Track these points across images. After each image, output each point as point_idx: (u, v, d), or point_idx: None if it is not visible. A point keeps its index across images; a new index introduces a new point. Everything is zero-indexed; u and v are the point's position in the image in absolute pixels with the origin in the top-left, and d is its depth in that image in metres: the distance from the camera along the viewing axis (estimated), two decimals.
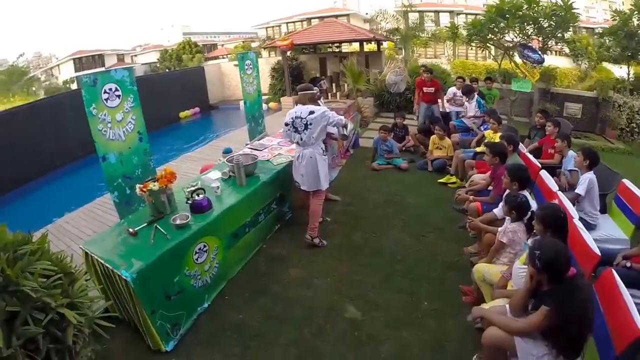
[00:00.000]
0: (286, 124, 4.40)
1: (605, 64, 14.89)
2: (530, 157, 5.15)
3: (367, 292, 3.78)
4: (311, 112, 4.25)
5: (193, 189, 3.76)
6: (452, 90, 8.75)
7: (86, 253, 3.14)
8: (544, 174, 4.57)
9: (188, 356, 3.11)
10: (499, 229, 3.45)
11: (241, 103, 8.27)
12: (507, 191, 3.73)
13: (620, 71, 13.62)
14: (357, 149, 8.29)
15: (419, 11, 17.67)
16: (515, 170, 3.83)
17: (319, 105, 4.56)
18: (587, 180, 4.28)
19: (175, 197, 3.80)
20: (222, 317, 3.50)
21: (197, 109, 18.92)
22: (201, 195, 3.70)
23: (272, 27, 36.65)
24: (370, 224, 5.07)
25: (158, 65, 35.91)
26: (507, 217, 3.44)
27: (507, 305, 2.63)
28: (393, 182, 6.47)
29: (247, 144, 6.23)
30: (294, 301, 3.68)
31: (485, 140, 5.76)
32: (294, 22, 33.82)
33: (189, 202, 3.67)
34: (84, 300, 2.31)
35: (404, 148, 7.97)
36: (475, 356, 2.93)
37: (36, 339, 2.00)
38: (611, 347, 2.34)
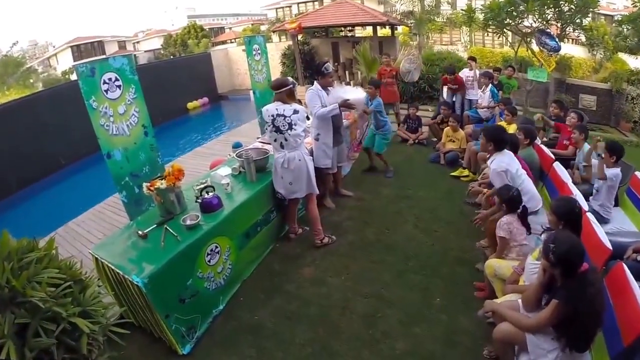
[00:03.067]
0: (267, 123, 4.08)
1: (620, 55, 14.45)
2: (545, 148, 5.05)
3: (381, 290, 3.76)
4: (295, 112, 3.99)
5: (202, 186, 3.72)
6: (464, 71, 8.61)
7: (96, 258, 3.11)
8: (557, 165, 4.49)
9: (205, 359, 3.11)
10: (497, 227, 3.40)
11: (251, 93, 7.88)
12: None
13: (635, 62, 13.25)
14: None
15: None
16: (490, 130, 3.83)
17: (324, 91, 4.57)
18: (615, 172, 4.16)
19: (185, 195, 3.74)
20: (238, 318, 3.50)
21: (205, 99, 18.54)
22: (211, 194, 3.65)
23: (283, 7, 35.65)
24: (383, 219, 5.01)
25: (162, 51, 34.55)
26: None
27: (520, 300, 2.61)
28: (406, 175, 6.40)
29: (258, 138, 6.17)
30: (308, 300, 3.67)
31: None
32: (305, 2, 32.85)
33: (199, 200, 3.62)
34: (97, 307, 2.26)
35: (417, 140, 7.87)
36: (485, 350, 2.97)
37: (50, 350, 1.97)
38: (619, 340, 2.36)
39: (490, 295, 3.41)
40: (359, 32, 18.52)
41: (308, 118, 4.58)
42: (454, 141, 6.89)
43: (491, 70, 8.26)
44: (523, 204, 3.35)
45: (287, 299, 3.69)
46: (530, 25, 9.30)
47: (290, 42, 15.07)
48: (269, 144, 4.73)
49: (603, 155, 4.21)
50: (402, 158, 7.17)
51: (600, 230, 3.02)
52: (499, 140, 3.78)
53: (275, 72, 14.38)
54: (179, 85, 17.17)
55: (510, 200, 3.29)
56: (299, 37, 14.54)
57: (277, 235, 4.60)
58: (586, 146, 4.88)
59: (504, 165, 3.66)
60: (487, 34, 14.71)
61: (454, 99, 8.50)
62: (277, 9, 36.64)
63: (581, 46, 16.11)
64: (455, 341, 3.16)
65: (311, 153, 4.68)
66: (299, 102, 4.52)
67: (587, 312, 2.15)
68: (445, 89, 8.74)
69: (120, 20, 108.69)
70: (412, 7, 13.31)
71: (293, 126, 3.96)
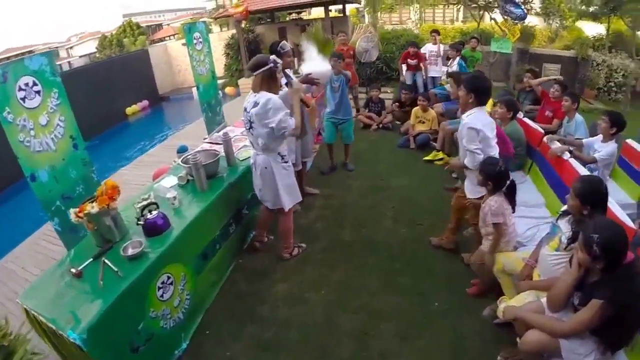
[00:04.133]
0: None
1: (577, 23, 14.78)
2: (530, 122, 4.83)
3: (369, 300, 3.40)
4: (255, 104, 3.25)
5: (144, 203, 3.20)
6: (427, 46, 8.42)
7: (25, 309, 2.51)
8: (550, 140, 4.26)
9: None
10: (480, 213, 3.09)
11: (194, 90, 7.17)
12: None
13: (591, 30, 13.50)
14: None
15: None
16: (472, 80, 3.30)
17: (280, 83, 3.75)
18: (612, 150, 4.01)
19: (126, 216, 3.19)
20: (207, 356, 3.02)
21: (145, 103, 17.56)
22: (154, 212, 3.10)
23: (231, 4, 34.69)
24: (358, 216, 4.65)
25: (97, 54, 32.78)
26: (483, 189, 3.10)
27: (543, 300, 2.35)
28: (375, 163, 6.07)
29: (205, 139, 5.61)
30: (287, 323, 3.23)
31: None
32: None
33: (140, 223, 3.06)
34: None
35: (381, 125, 7.54)
36: (499, 357, 2.71)
37: None
38: None
39: (484, 290, 3.25)
40: (306, 15, 18.10)
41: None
42: (423, 122, 6.61)
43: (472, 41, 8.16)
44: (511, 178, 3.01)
45: (261, 325, 3.23)
46: None
47: (234, 31, 14.38)
48: (219, 143, 4.21)
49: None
50: (368, 145, 6.82)
51: (619, 211, 2.76)
52: (481, 91, 3.21)
53: (219, 64, 13.72)
54: (116, 89, 16.06)
55: (498, 176, 2.93)
56: (243, 24, 13.89)
57: (239, 249, 4.11)
58: (578, 117, 4.69)
59: (480, 124, 3.18)
60: (438, 7, 14.59)
61: (415, 79, 8.27)
62: None
63: (536, 15, 16.37)
64: (466, 347, 2.88)
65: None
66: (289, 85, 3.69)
67: (634, 309, 1.92)
68: (404, 68, 8.46)
69: (51, 25, 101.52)
70: None
71: (253, 124, 3.34)
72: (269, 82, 3.31)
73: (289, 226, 3.88)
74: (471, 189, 3.44)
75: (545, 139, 4.33)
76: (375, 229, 4.38)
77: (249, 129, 3.40)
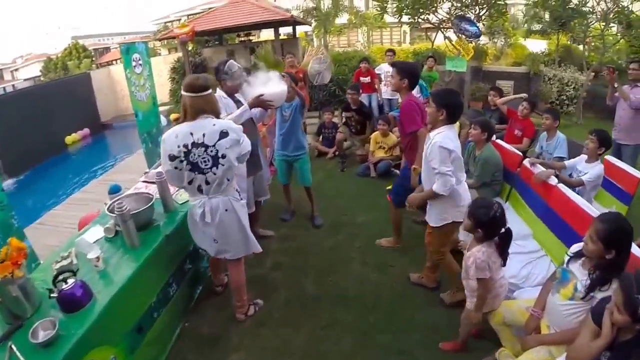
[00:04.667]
0: (172, 158, 2.70)
1: (520, 41, 15.44)
2: (505, 144, 4.52)
3: None
4: (223, 134, 2.69)
5: (61, 264, 2.58)
6: (382, 67, 8.13)
7: None
8: (531, 163, 3.94)
9: None
10: (463, 263, 2.66)
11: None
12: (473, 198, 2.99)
13: (534, 47, 13.94)
14: None
15: None
16: (442, 94, 3.02)
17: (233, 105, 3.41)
18: (600, 171, 3.73)
19: (41, 282, 2.54)
20: None
21: (86, 131, 16.34)
22: (71, 281, 2.43)
23: (172, 21, 33.68)
24: (322, 261, 4.12)
25: (42, 78, 31.34)
26: (469, 235, 2.70)
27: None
28: (334, 196, 5.58)
29: (145, 173, 4.91)
30: None
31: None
32: (195, 13, 31.27)
33: (54, 295, 2.39)
34: None
35: (335, 153, 7.04)
36: None
37: None
38: None
39: (463, 346, 2.86)
40: (256, 37, 17.72)
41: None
42: (383, 148, 6.20)
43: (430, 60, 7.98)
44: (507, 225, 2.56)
45: None
46: (448, 11, 9.12)
47: (181, 54, 13.67)
48: (153, 182, 3.55)
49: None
50: (325, 175, 6.35)
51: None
52: (454, 107, 2.93)
53: (164, 89, 13.02)
54: (54, 116, 14.77)
55: (492, 223, 2.47)
56: (190, 47, 13.22)
57: (184, 311, 3.45)
58: (561, 136, 4.42)
59: (452, 144, 2.84)
60: (386, 30, 14.72)
61: (370, 101, 7.92)
62: (166, 22, 34.95)
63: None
64: None
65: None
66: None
67: None
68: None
69: None
70: (316, 3, 12.79)
71: (220, 159, 2.70)
72: (214, 106, 2.80)
73: (241, 279, 3.29)
74: (435, 216, 3.11)
75: (525, 162, 4.01)
76: (343, 275, 3.87)
77: (212, 167, 2.72)
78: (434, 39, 9.97)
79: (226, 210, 2.90)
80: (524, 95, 6.02)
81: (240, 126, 2.86)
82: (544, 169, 3.76)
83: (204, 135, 2.66)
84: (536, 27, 13.37)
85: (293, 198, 5.08)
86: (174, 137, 2.68)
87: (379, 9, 10.12)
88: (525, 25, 14.94)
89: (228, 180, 2.84)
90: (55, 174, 12.16)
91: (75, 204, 6.75)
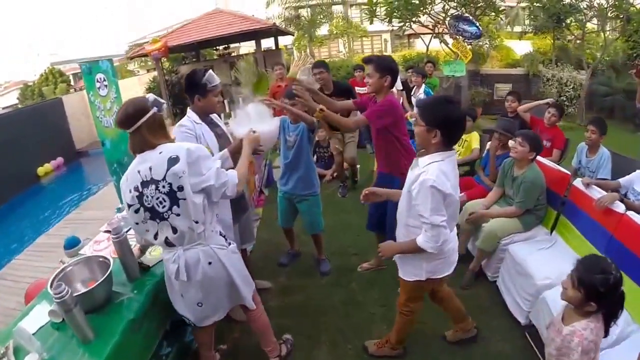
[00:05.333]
0: (130, 208, 2.11)
1: (505, 43, 15.25)
2: (547, 161, 3.74)
3: None
4: (172, 160, 2.00)
5: None
6: None
7: None
8: (587, 184, 3.21)
9: None
10: (557, 338, 1.91)
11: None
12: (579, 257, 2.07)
13: (520, 49, 13.90)
14: (272, 186, 6.06)
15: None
16: (435, 106, 2.17)
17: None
18: None
19: None
20: None
21: (60, 160, 15.13)
22: None
23: (149, 41, 33.09)
24: (336, 321, 3.27)
25: (19, 105, 29.24)
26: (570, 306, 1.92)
27: None
28: (338, 230, 4.70)
29: (120, 210, 4.01)
30: None
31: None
32: (173, 32, 30.92)
33: None
34: None
35: (333, 175, 6.27)
36: None
37: None
38: None
39: None
40: (235, 51, 17.00)
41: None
42: None
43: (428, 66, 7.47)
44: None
45: None
46: (441, 11, 8.64)
47: (156, 73, 12.80)
48: (119, 235, 2.67)
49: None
50: (325, 203, 5.41)
51: None
52: (451, 125, 2.11)
53: None
54: (25, 145, 13.58)
55: (613, 293, 1.74)
56: (165, 64, 12.36)
57: None
58: (605, 152, 3.69)
59: (448, 184, 2.06)
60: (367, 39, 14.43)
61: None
62: (143, 43, 33.94)
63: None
64: None
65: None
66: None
67: None
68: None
69: None
70: (299, 12, 12.22)
71: (178, 193, 2.00)
72: (159, 130, 2.12)
73: (264, 322, 2.71)
74: (409, 269, 2.39)
75: (577, 182, 3.30)
76: (363, 339, 3.01)
77: (169, 208, 2.03)
78: (429, 43, 9.41)
79: (209, 263, 2.19)
80: (550, 100, 5.32)
81: (201, 145, 2.22)
82: (603, 192, 3.03)
83: (150, 169, 2.02)
84: (527, 27, 13.10)
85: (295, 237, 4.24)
86: (125, 180, 2.12)
87: (367, 12, 9.48)
88: (509, 27, 14.63)
89: (196, 224, 2.08)
90: (24, 213, 11.07)
91: (41, 251, 5.83)
